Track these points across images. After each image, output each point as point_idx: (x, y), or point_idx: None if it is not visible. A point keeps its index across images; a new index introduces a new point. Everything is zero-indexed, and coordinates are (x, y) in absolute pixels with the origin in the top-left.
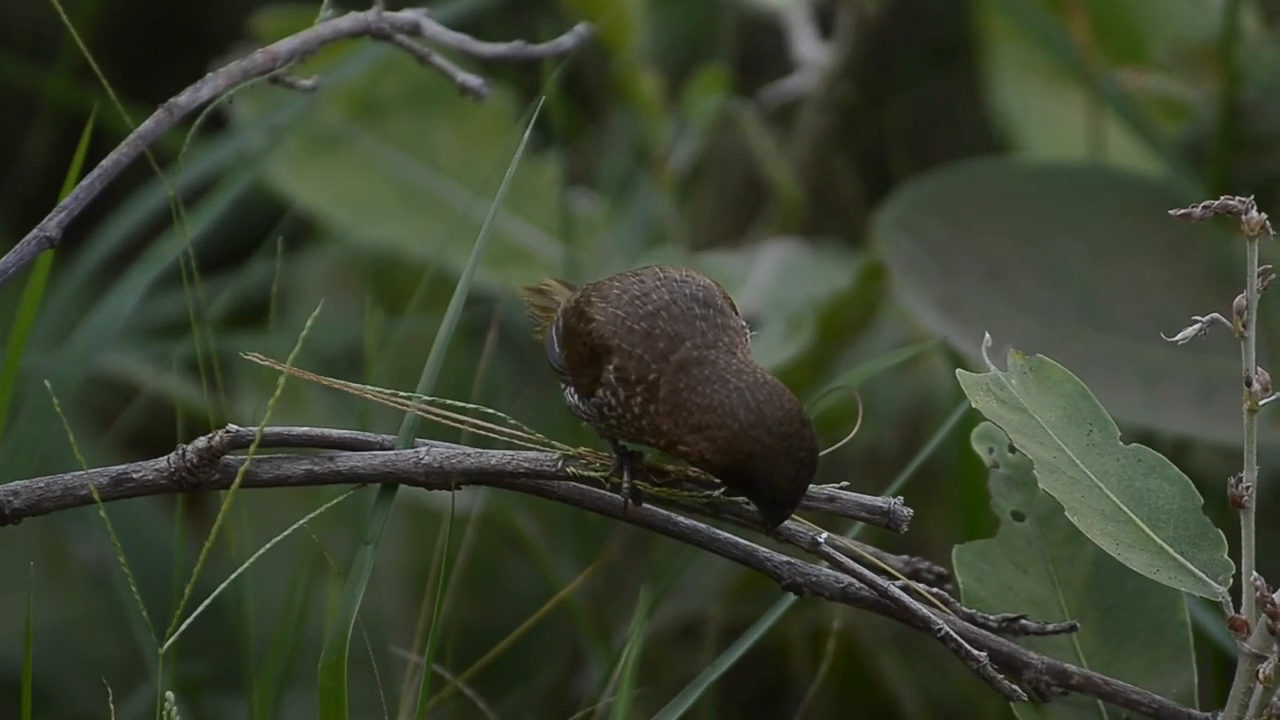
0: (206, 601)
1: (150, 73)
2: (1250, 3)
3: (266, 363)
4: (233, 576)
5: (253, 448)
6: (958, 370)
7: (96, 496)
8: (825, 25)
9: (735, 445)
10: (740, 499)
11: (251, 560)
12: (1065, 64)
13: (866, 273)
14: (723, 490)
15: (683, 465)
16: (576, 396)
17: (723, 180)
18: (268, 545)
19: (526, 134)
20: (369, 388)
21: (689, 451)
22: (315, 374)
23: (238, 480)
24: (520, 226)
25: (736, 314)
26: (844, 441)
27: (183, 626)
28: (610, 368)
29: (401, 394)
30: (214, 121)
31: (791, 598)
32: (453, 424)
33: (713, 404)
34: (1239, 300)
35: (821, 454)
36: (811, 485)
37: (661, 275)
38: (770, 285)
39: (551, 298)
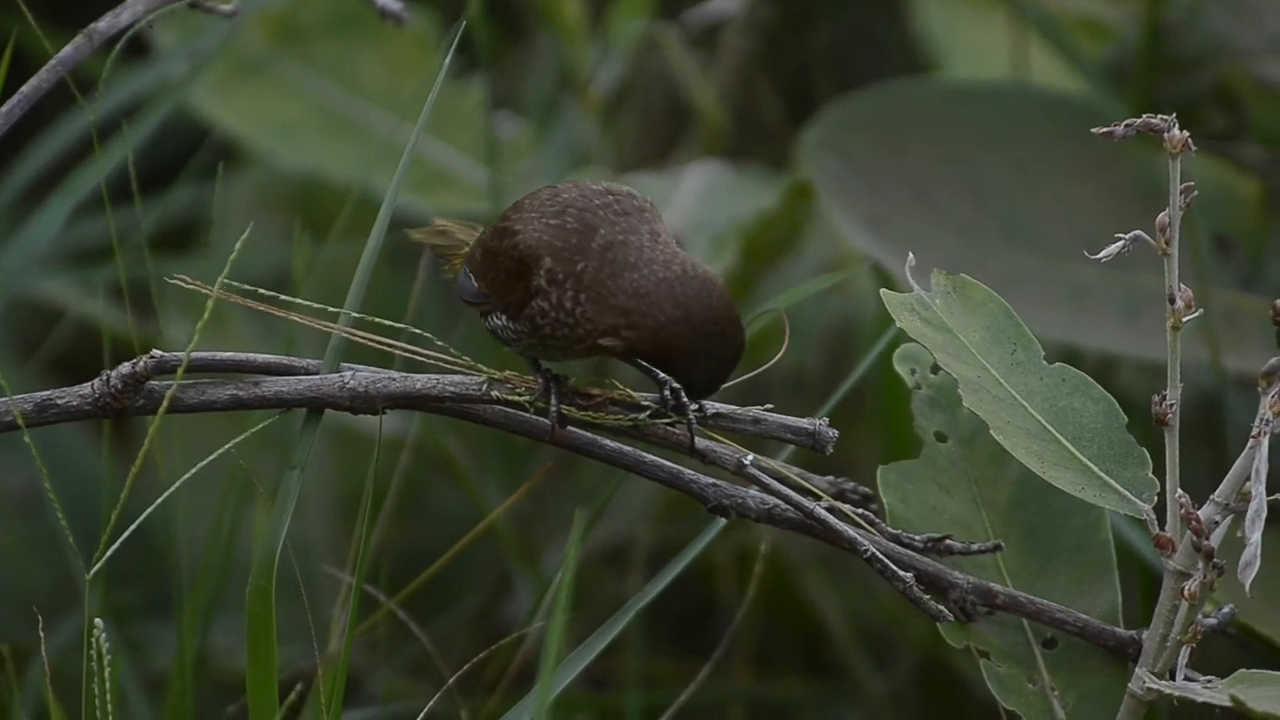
0: (134, 526)
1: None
2: None
3: (193, 285)
4: (159, 501)
5: (179, 373)
6: (882, 290)
7: (21, 422)
8: None
9: (658, 338)
10: (664, 421)
11: (178, 484)
12: None
13: (792, 192)
14: (648, 414)
15: (607, 389)
16: (504, 318)
17: (647, 103)
18: (193, 470)
19: (448, 58)
20: (295, 305)
21: (614, 343)
22: (240, 295)
23: (164, 405)
24: (445, 151)
25: (660, 219)
26: (769, 364)
27: (109, 551)
28: (541, 273)
29: (329, 311)
30: (135, 47)
31: (719, 522)
32: (379, 348)
33: (638, 289)
34: (1161, 217)
35: (746, 377)
36: (736, 407)
37: (576, 186)
38: (694, 207)
39: (454, 237)
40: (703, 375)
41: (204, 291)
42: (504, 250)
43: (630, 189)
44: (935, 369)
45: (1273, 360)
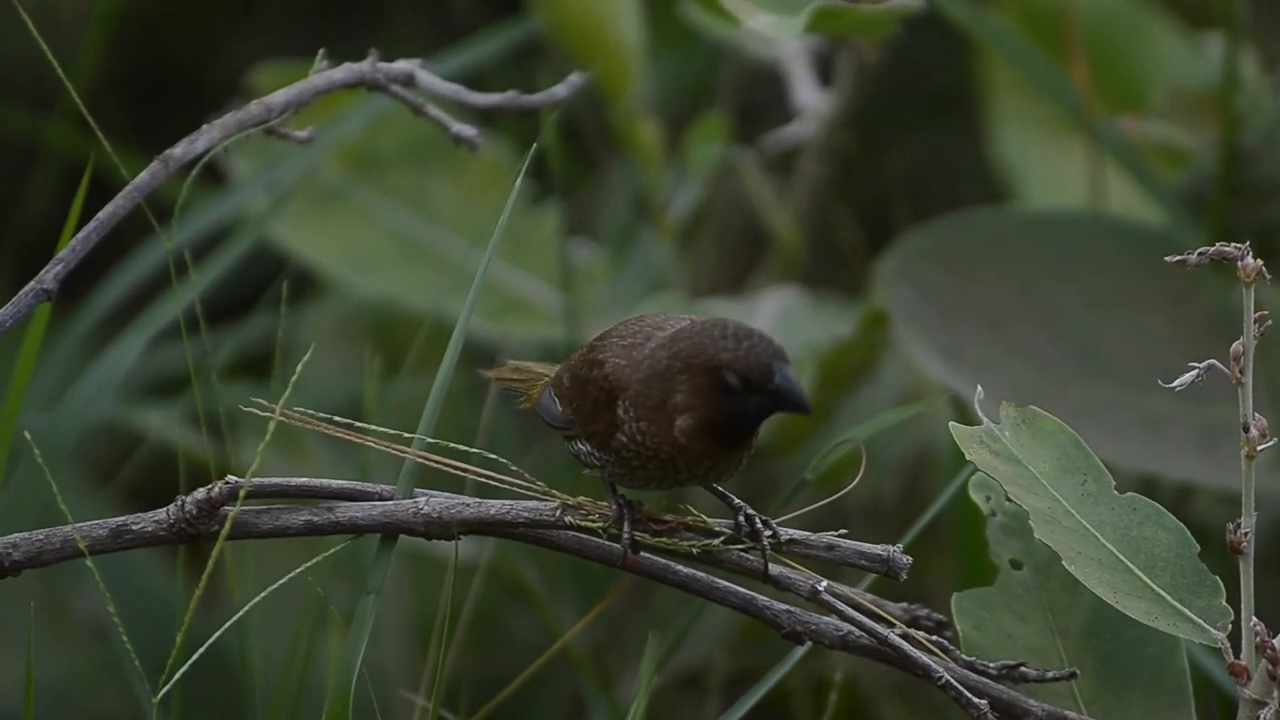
0: (202, 649)
1: (154, 122)
2: (1249, 50)
3: (266, 412)
4: (229, 623)
5: (241, 495)
6: (952, 424)
7: (84, 549)
8: (825, 73)
9: (675, 363)
10: (738, 547)
11: (248, 607)
12: (1065, 111)
13: (868, 320)
14: (721, 540)
15: (681, 514)
16: (590, 445)
17: (723, 228)
18: (265, 593)
19: (518, 183)
20: (368, 428)
21: (682, 429)
22: (313, 421)
23: (226, 528)
24: (519, 277)
25: None
26: (845, 491)
27: (177, 675)
28: (625, 403)
29: (403, 436)
30: (211, 173)
31: (796, 650)
32: (453, 472)
33: (697, 351)
34: (1236, 346)
35: (822, 503)
36: (810, 533)
37: (664, 317)
38: (771, 332)
39: (527, 372)
40: (755, 361)
41: (276, 416)
42: (593, 379)
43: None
44: (1009, 498)
45: None
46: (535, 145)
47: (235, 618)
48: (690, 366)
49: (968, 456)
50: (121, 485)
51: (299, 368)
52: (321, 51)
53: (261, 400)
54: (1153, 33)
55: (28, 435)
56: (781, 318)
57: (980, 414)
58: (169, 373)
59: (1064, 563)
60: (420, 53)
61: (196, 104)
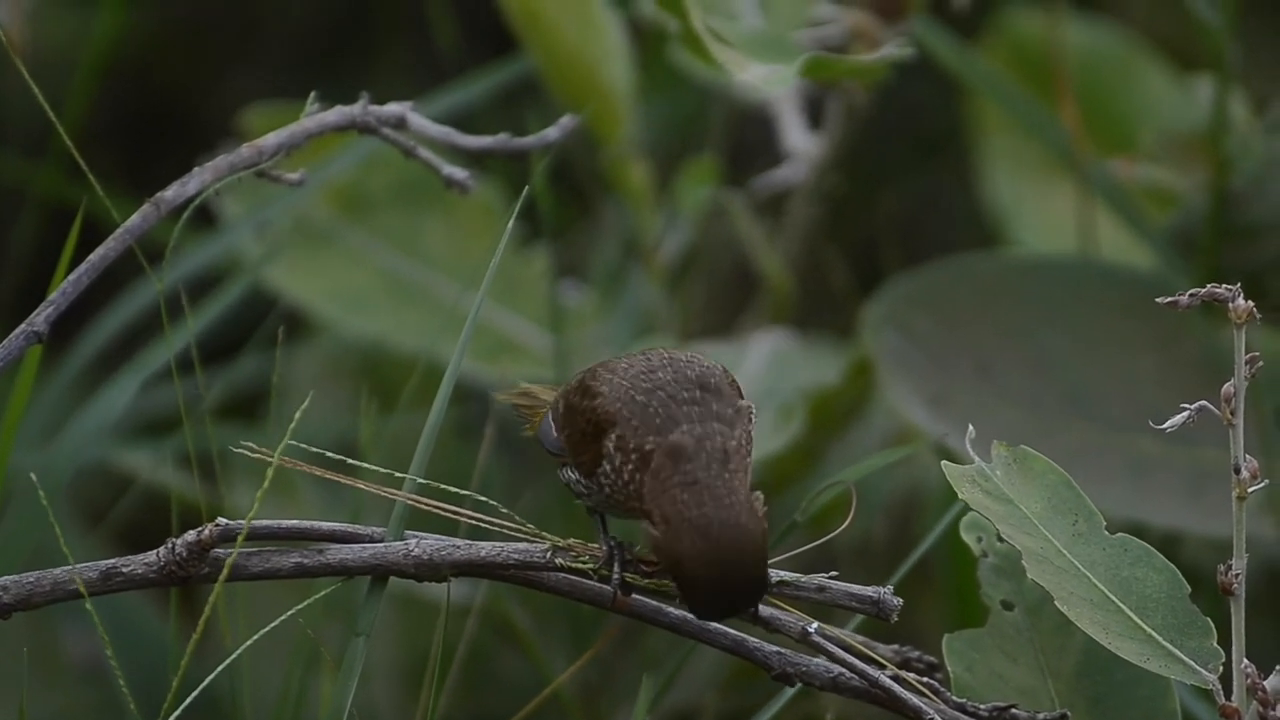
0: (196, 691)
1: (145, 163)
2: (1239, 92)
3: (258, 454)
4: (222, 666)
5: (239, 540)
6: (943, 463)
7: (83, 591)
8: (815, 115)
9: (675, 561)
10: None
11: (241, 650)
12: (1055, 154)
13: (855, 368)
14: None
15: None
16: (576, 473)
17: (713, 270)
18: (257, 635)
19: (510, 225)
20: (361, 468)
21: (651, 534)
22: (305, 462)
23: (224, 573)
24: (510, 318)
25: (740, 396)
26: (835, 533)
27: (172, 717)
28: (612, 437)
29: (393, 478)
30: (202, 214)
31: (787, 691)
32: (444, 515)
33: (682, 513)
34: (1227, 388)
35: (812, 545)
36: (801, 575)
37: (666, 356)
38: (761, 375)
39: (537, 398)
40: (701, 608)
41: (268, 459)
42: (583, 409)
43: (713, 364)
44: (1001, 538)
45: None
46: (526, 188)
47: (229, 660)
48: (689, 581)
49: (960, 495)
50: (111, 526)
51: (297, 414)
52: (313, 94)
53: (252, 444)
54: (1142, 75)
55: (33, 476)
56: (771, 360)
57: (973, 454)
58: (158, 414)
59: (1057, 603)
60: (412, 92)
61: (188, 145)
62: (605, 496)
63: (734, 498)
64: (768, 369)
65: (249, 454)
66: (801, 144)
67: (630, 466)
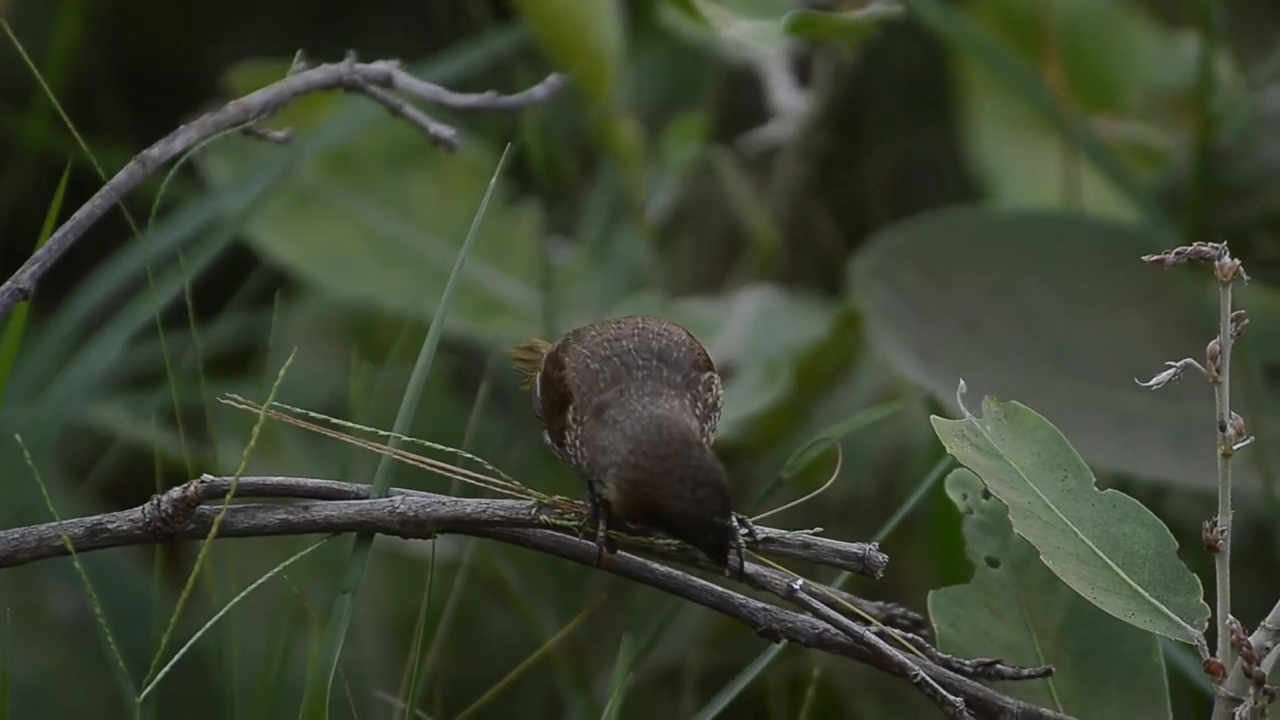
0: (184, 649)
1: (141, 118)
2: (1224, 49)
3: (245, 406)
4: (208, 624)
5: (228, 498)
6: (933, 417)
7: (70, 547)
8: (803, 74)
9: (622, 478)
10: None
11: (228, 608)
12: (1041, 112)
13: (843, 321)
14: None
15: None
16: (552, 440)
17: (702, 228)
18: (244, 593)
19: (494, 183)
20: (347, 424)
21: (609, 497)
22: (292, 416)
23: (214, 531)
24: (498, 277)
25: (704, 369)
26: (821, 490)
27: (160, 674)
28: (570, 409)
29: (380, 434)
30: (190, 171)
31: (773, 647)
32: (432, 471)
33: (604, 445)
34: (1212, 345)
35: (799, 502)
36: (786, 532)
37: (639, 326)
38: (748, 332)
39: (540, 353)
40: (681, 503)
41: (255, 412)
42: (554, 380)
43: (684, 336)
44: (987, 494)
45: None
46: (511, 145)
47: (215, 618)
48: (635, 488)
49: (949, 450)
50: (96, 483)
51: (282, 370)
52: (299, 53)
53: (239, 396)
54: (1128, 33)
55: (18, 438)
56: (758, 317)
57: (963, 408)
58: (145, 371)
59: (1042, 557)
60: (406, 55)
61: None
62: (576, 466)
63: (648, 411)
64: (754, 326)
65: (235, 405)
66: (789, 102)
67: (578, 437)
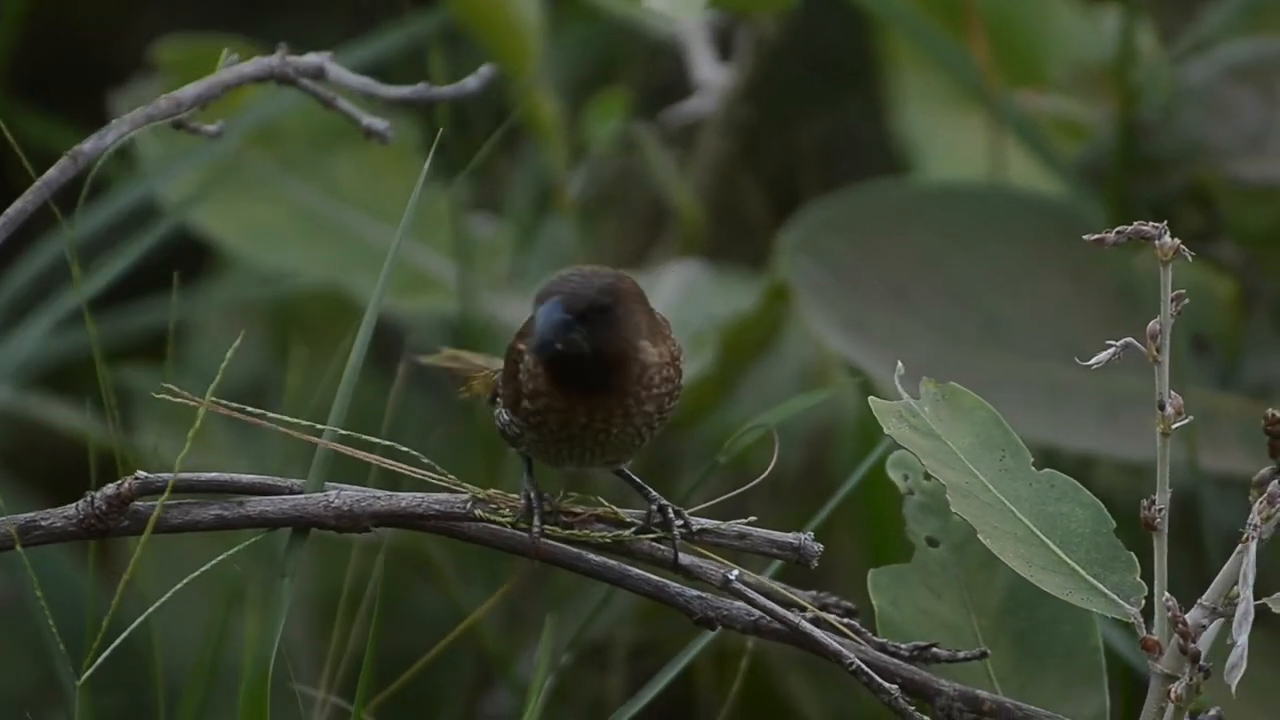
0: (120, 638)
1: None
2: (1145, 23)
3: (181, 398)
4: (142, 617)
5: (163, 497)
6: (870, 399)
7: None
8: (725, 48)
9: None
10: (649, 537)
11: (160, 602)
12: (966, 86)
13: (770, 293)
14: (633, 530)
15: (592, 505)
16: (509, 412)
17: (626, 203)
18: (179, 585)
19: (426, 165)
20: (282, 418)
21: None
22: (227, 409)
23: (149, 529)
24: (422, 252)
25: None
26: (758, 481)
27: (100, 659)
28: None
29: (315, 428)
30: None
31: (705, 634)
32: (364, 462)
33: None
34: (1153, 325)
35: (735, 493)
36: (721, 522)
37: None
38: (673, 306)
39: (468, 362)
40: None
41: (191, 404)
42: (512, 347)
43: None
44: (927, 475)
45: (1263, 470)
46: (441, 130)
47: (148, 612)
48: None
49: (886, 430)
50: (21, 470)
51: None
52: (225, 51)
53: (174, 388)
54: (1051, 7)
55: None
56: (683, 291)
57: (900, 388)
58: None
59: (980, 536)
60: (329, 31)
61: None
62: (533, 429)
63: None
64: (680, 300)
65: (170, 398)
66: (711, 76)
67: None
